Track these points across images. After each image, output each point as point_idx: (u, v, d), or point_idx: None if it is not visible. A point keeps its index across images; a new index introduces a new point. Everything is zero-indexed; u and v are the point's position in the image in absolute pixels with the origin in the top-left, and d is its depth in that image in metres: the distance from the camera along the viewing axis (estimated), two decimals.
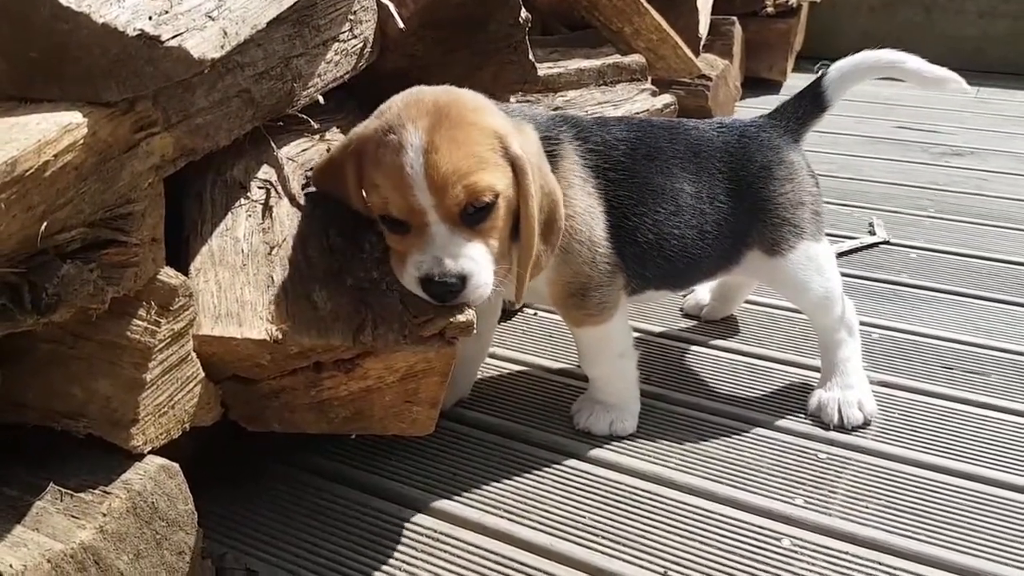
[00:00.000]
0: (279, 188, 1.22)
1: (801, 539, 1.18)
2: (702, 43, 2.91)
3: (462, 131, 1.06)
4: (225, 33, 0.89)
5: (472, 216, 1.07)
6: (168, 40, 0.83)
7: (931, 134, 3.22)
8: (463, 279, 1.06)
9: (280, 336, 1.05)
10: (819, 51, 4.05)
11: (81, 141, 0.81)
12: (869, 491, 1.28)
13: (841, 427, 1.42)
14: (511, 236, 1.16)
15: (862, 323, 1.73)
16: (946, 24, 4.31)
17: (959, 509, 1.24)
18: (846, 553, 1.16)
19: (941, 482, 1.30)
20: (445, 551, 1.16)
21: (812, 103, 1.46)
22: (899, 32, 4.39)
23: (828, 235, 2.21)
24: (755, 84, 3.78)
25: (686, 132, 1.39)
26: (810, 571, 1.13)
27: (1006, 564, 1.14)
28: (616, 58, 2.10)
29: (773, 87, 3.84)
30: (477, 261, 1.08)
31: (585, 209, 1.25)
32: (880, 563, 1.14)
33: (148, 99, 0.88)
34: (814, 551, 1.16)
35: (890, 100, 3.71)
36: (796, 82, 3.89)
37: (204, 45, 0.87)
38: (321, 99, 1.28)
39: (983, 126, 3.33)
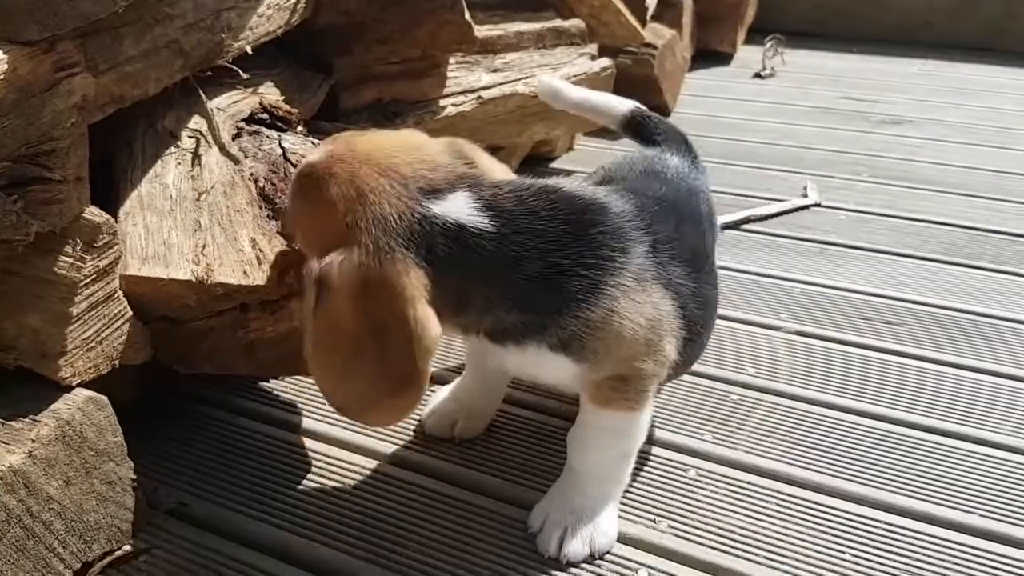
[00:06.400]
0: (209, 137, 1.26)
1: (707, 470, 1.25)
2: (650, 12, 2.95)
3: None
4: None
5: None
6: None
7: (872, 104, 3.31)
8: None
9: (205, 277, 1.10)
10: (770, 24, 4.14)
11: (1, 78, 0.85)
12: (775, 428, 1.35)
13: None
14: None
15: (787, 279, 1.83)
16: None
17: (862, 445, 1.32)
18: (747, 483, 1.23)
19: (846, 421, 1.37)
20: (375, 487, 1.22)
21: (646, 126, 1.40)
22: (850, 5, 4.48)
23: (763, 198, 2.30)
24: (707, 56, 3.84)
25: (686, 205, 1.21)
26: (713, 498, 1.20)
27: (903, 494, 1.22)
28: (556, 22, 2.14)
29: (724, 59, 3.91)
30: None
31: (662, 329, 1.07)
32: (779, 491, 1.21)
33: (69, 40, 0.92)
34: (718, 481, 1.23)
35: (836, 72, 3.80)
36: (747, 55, 3.97)
37: None
38: (249, 49, 1.31)
39: (923, 96, 3.42)
